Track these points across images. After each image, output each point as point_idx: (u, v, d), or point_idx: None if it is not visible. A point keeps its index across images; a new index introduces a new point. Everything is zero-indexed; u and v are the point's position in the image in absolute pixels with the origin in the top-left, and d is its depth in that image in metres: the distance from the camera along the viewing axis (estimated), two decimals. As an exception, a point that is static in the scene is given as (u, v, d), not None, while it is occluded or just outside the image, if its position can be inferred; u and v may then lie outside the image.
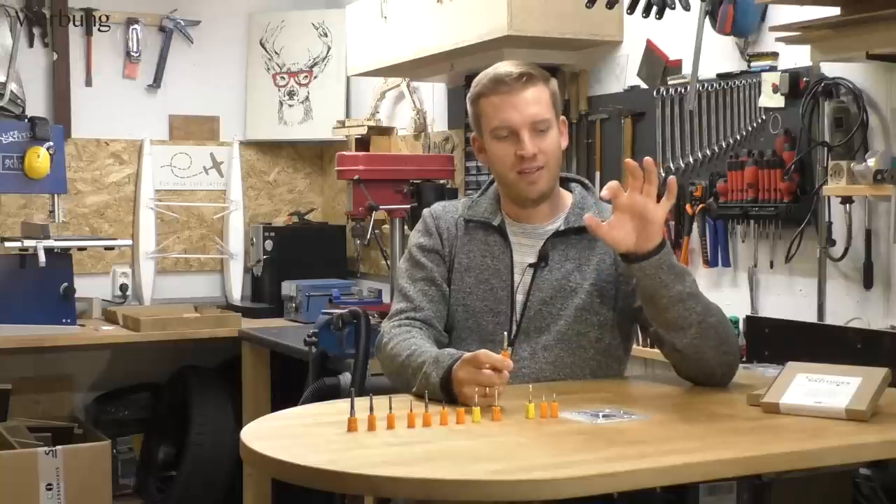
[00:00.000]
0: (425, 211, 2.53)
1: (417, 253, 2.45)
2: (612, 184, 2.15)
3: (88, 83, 5.18)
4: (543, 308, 2.35)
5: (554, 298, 2.35)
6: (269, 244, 5.15)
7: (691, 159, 3.43)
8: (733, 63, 3.28)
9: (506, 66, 2.37)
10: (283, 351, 4.12)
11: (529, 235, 2.41)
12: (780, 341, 2.83)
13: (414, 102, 4.92)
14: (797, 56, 3.02)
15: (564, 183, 2.50)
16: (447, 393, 2.09)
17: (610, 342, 2.38)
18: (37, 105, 4.99)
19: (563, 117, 2.42)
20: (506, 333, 2.23)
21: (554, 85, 2.39)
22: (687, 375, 2.31)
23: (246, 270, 5.40)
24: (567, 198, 2.46)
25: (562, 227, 2.39)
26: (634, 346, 2.55)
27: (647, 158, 2.13)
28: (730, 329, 2.27)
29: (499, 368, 2.03)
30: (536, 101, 2.32)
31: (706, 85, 3.33)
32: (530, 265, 2.37)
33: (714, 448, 1.80)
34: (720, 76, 3.31)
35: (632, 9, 3.12)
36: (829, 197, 2.95)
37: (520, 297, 2.36)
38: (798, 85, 3.05)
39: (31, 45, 5.05)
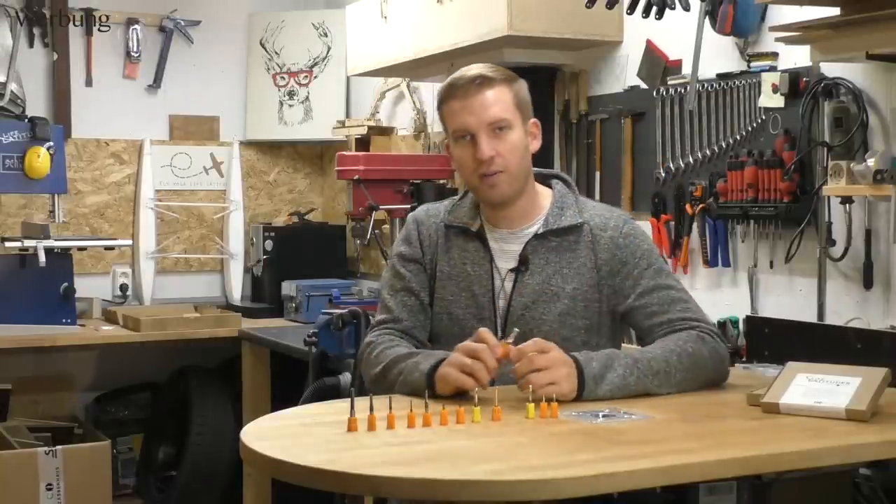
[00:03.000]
0: (409, 216, 2.52)
1: (397, 263, 2.45)
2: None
3: (88, 83, 5.18)
4: (526, 313, 2.33)
5: (536, 303, 2.33)
6: (269, 244, 5.15)
7: (691, 159, 3.43)
8: (733, 63, 3.28)
9: (465, 70, 2.35)
10: (283, 351, 4.12)
11: (508, 240, 2.39)
12: (780, 341, 2.83)
13: (414, 102, 4.91)
14: (797, 56, 3.02)
15: (545, 179, 2.47)
16: (430, 383, 2.12)
17: (597, 345, 2.33)
18: (37, 105, 4.99)
19: (534, 120, 2.39)
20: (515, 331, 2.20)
21: (520, 87, 2.36)
22: None
23: (246, 270, 5.40)
24: (546, 196, 2.42)
25: (540, 231, 2.36)
26: (629, 346, 2.54)
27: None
28: (703, 359, 2.24)
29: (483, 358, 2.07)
30: (495, 101, 2.30)
31: (706, 85, 3.33)
32: (511, 270, 2.36)
33: (714, 448, 1.80)
34: (720, 76, 3.30)
35: (632, 9, 3.12)
36: (829, 197, 2.95)
37: (502, 303, 2.35)
38: (798, 85, 3.05)
39: (31, 45, 5.05)
